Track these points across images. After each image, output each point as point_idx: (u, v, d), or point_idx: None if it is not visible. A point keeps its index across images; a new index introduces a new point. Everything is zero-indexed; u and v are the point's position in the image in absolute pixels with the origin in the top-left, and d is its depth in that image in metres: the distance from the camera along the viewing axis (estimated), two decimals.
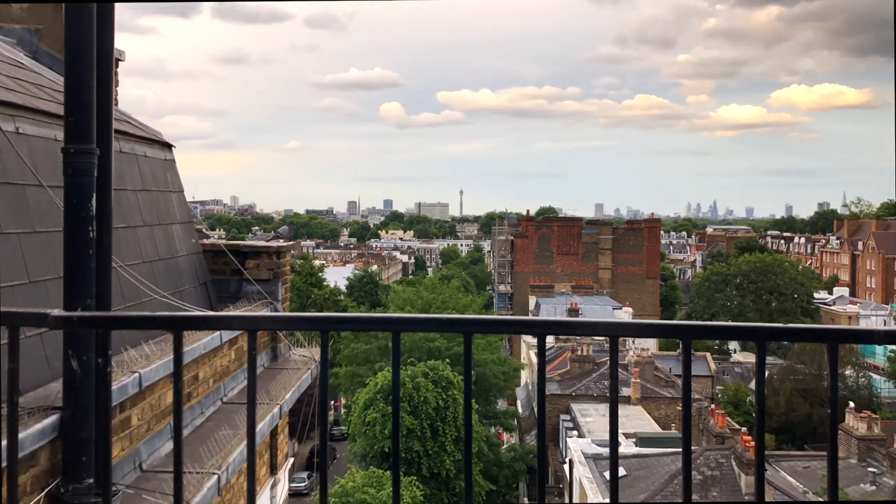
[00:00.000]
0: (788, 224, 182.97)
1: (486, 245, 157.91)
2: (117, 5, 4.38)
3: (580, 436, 33.01)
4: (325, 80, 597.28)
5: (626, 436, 30.30)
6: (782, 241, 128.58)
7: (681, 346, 2.25)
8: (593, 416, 36.99)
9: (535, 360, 37.72)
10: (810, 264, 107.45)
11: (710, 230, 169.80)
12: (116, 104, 6.78)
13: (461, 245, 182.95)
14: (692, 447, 2.54)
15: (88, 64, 4.02)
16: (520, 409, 48.20)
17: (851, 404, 32.90)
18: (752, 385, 48.34)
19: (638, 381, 38.72)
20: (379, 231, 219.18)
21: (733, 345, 67.76)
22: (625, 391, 38.02)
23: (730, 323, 2.34)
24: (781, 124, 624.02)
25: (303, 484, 39.36)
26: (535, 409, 37.21)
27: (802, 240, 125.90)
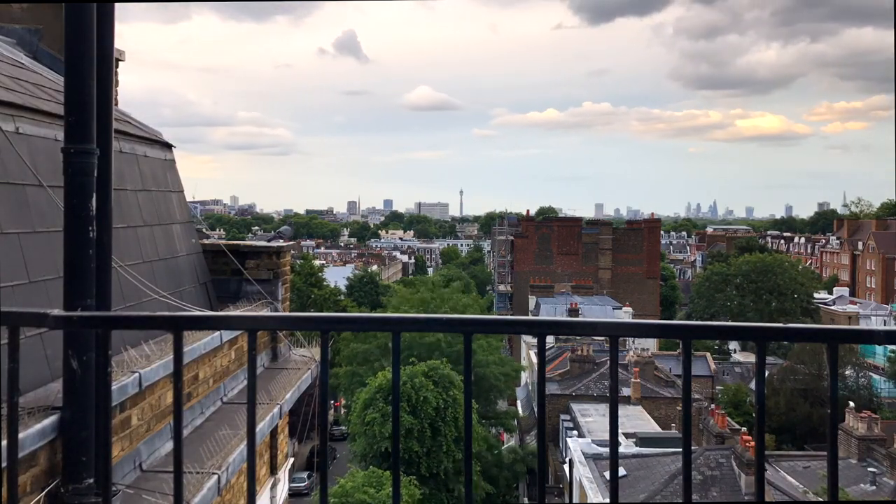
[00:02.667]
0: (788, 224, 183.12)
1: (486, 245, 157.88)
2: (117, 5, 4.38)
3: (580, 436, 33.00)
4: (410, 102, 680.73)
5: (626, 436, 30.30)
6: (782, 241, 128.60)
7: (681, 346, 2.25)
8: (593, 416, 36.99)
9: (535, 360, 37.69)
10: (810, 264, 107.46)
11: (710, 230, 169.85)
12: (116, 104, 6.78)
13: (461, 245, 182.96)
14: (692, 447, 2.53)
15: (88, 64, 4.02)
16: (520, 410, 48.20)
17: (851, 404, 32.89)
18: (752, 385, 48.33)
19: (638, 381, 38.72)
20: (379, 231, 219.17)
21: (733, 345, 67.73)
22: (625, 391, 38.02)
23: (730, 323, 2.34)
24: (803, 136, 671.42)
25: (303, 484, 39.35)
26: (535, 410, 37.11)
27: (802, 240, 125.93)
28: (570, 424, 37.64)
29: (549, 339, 34.48)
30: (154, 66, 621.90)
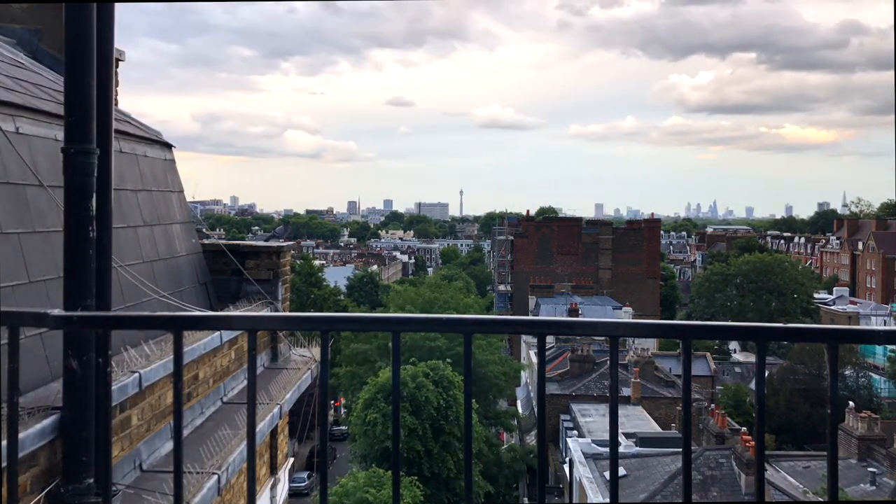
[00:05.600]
0: (788, 224, 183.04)
1: (486, 245, 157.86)
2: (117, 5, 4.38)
3: (580, 436, 33.00)
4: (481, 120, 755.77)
5: (626, 436, 30.30)
6: (782, 241, 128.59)
7: (681, 346, 2.25)
8: (593, 416, 37.00)
9: (535, 360, 37.68)
10: (810, 264, 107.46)
11: (710, 230, 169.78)
12: (116, 104, 6.77)
13: (461, 245, 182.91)
14: (692, 447, 2.53)
15: (88, 64, 4.02)
16: (520, 409, 48.21)
17: (851, 404, 32.86)
18: (752, 385, 48.32)
19: (638, 381, 38.72)
20: (379, 231, 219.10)
21: (733, 345, 67.72)
22: (625, 391, 38.02)
23: (730, 323, 2.35)
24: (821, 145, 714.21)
25: (303, 484, 39.36)
26: (535, 409, 37.12)
27: (802, 240, 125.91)
28: (570, 424, 37.65)
29: (549, 339, 34.46)
30: (281, 99, 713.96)
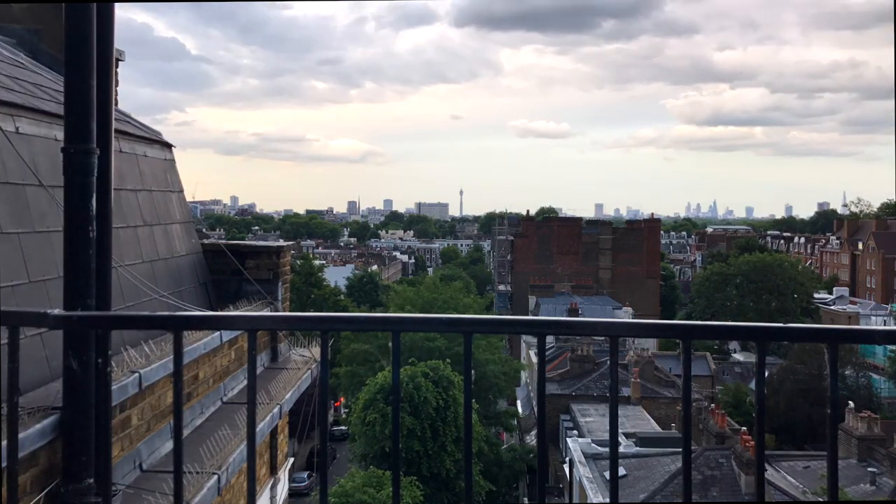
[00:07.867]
0: (788, 224, 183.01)
1: (486, 245, 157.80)
2: (117, 5, 4.38)
3: (580, 436, 33.00)
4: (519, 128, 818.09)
5: (626, 436, 30.29)
6: (782, 241, 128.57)
7: (681, 346, 2.25)
8: (593, 416, 37.00)
9: (535, 360, 37.68)
10: (810, 264, 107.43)
11: (710, 230, 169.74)
12: (116, 104, 6.77)
13: (461, 245, 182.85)
14: (692, 447, 2.54)
15: (88, 64, 4.02)
16: (520, 409, 48.21)
17: (851, 404, 32.86)
18: (752, 385, 48.32)
19: (638, 381, 38.72)
20: (379, 231, 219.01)
21: (733, 345, 67.73)
22: (625, 391, 38.03)
23: (730, 323, 2.35)
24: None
25: (303, 484, 39.37)
26: (535, 409, 37.18)
27: (802, 240, 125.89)
28: (570, 424, 37.65)
29: (549, 339, 34.40)
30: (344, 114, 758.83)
